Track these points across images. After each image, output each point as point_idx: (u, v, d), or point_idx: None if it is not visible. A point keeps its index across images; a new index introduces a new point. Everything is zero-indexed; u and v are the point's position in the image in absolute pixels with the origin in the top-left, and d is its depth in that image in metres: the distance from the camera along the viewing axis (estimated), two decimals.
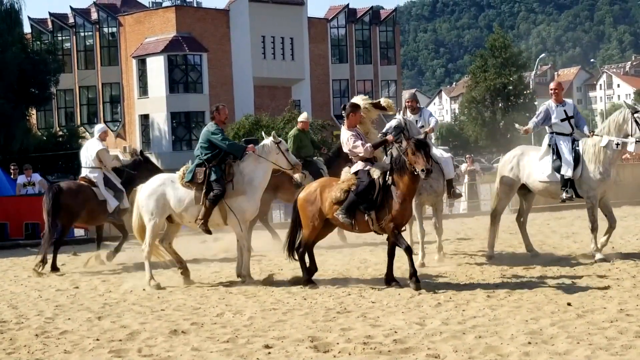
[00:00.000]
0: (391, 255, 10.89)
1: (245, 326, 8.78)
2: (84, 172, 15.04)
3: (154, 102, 59.44)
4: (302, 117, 17.46)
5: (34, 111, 57.12)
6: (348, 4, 67.50)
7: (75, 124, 60.89)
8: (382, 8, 73.88)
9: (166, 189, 11.89)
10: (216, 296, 10.83)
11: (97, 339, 8.42)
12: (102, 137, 15.40)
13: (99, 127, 16.11)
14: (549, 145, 12.92)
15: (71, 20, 63.51)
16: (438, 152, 13.03)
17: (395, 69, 69.97)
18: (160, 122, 59.82)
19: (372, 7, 69.24)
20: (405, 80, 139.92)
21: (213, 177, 11.69)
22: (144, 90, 60.46)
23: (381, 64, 68.36)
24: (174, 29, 59.29)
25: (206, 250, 15.61)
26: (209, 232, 11.89)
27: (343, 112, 11.54)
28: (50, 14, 64.15)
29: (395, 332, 8.14)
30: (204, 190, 11.67)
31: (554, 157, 12.78)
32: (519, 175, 13.18)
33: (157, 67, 59.29)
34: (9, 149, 42.86)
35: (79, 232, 20.64)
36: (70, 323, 9.38)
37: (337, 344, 7.78)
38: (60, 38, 63.41)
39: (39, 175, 22.36)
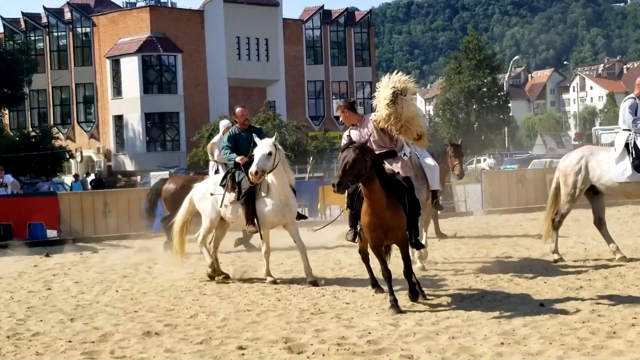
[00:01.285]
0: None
1: (219, 327, 8.76)
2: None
3: (128, 103, 59.21)
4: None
5: (6, 111, 56.71)
6: (323, 6, 67.59)
7: (49, 125, 60.55)
8: (357, 10, 74.06)
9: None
10: (190, 297, 10.80)
11: (70, 341, 8.36)
12: (224, 132, 15.27)
13: (223, 123, 16.61)
14: (627, 144, 12.22)
15: (44, 20, 63.14)
16: (429, 159, 12.00)
17: (370, 71, 70.15)
18: (135, 122, 59.57)
19: (347, 9, 69.45)
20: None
21: (237, 179, 11.85)
22: (117, 90, 60.22)
23: (356, 66, 68.55)
24: (148, 29, 59.10)
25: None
26: (253, 231, 11.86)
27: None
28: (23, 13, 63.79)
29: (369, 333, 8.15)
30: (236, 192, 11.83)
31: (634, 157, 12.14)
32: (588, 177, 12.60)
33: (131, 68, 59.08)
34: None
35: (51, 234, 20.49)
36: (42, 325, 9.31)
37: (311, 345, 7.78)
38: (33, 38, 63.02)
39: (11, 176, 22.18)
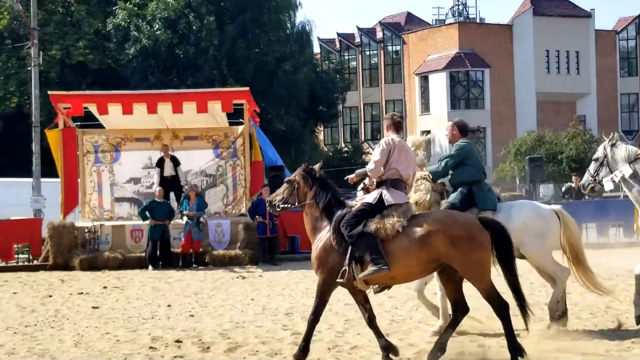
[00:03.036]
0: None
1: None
2: None
3: (435, 119, 59.94)
4: None
5: (321, 128, 59.71)
6: (639, 15, 64.30)
7: (359, 140, 62.98)
8: None
9: None
10: None
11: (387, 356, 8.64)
12: None
13: None
14: None
15: (357, 39, 65.72)
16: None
17: None
18: (442, 138, 60.09)
19: None
20: None
21: None
22: (426, 106, 61.22)
23: None
24: (456, 45, 59.54)
25: None
26: None
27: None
28: (338, 34, 66.73)
29: None
30: None
31: None
32: None
33: (439, 84, 59.84)
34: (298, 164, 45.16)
35: None
36: (359, 338, 9.70)
37: None
38: (347, 57, 65.83)
39: None
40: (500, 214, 9.91)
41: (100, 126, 23.07)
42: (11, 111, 40.54)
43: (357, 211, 8.41)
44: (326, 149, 60.01)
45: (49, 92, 22.59)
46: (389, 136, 8.79)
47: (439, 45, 60.47)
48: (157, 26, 41.69)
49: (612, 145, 10.81)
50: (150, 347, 9.43)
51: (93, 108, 21.58)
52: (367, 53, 65.64)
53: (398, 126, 8.91)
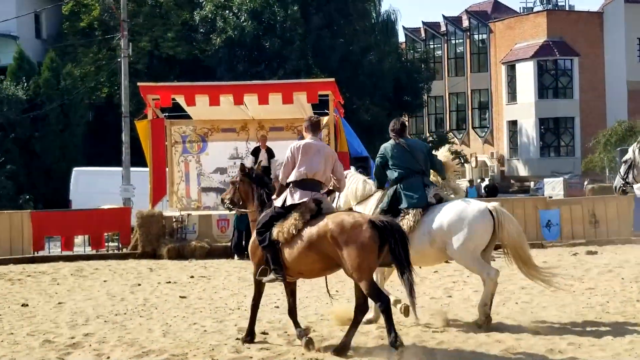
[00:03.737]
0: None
1: (626, 350, 8.41)
2: None
3: (522, 108, 59.07)
4: None
5: (406, 118, 59.39)
6: None
7: (444, 130, 62.50)
8: None
9: None
10: (592, 315, 10.48)
11: (473, 351, 8.57)
12: None
13: None
14: None
15: (443, 28, 65.15)
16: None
17: None
18: (529, 128, 59.27)
19: None
20: None
21: None
22: (512, 96, 60.34)
23: None
24: (544, 33, 58.47)
25: None
26: None
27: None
28: (423, 23, 66.26)
29: None
30: None
31: None
32: None
33: (526, 73, 58.86)
34: None
35: None
36: (445, 334, 9.61)
37: None
38: (432, 46, 65.31)
39: None
40: (428, 213, 10.03)
41: (188, 117, 23.39)
42: (102, 101, 41.48)
43: (269, 217, 9.02)
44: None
45: (139, 84, 22.97)
46: (301, 139, 9.40)
47: (527, 33, 59.48)
48: (243, 17, 42.06)
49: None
50: (237, 339, 9.51)
51: (181, 99, 21.87)
52: (453, 42, 65.01)
53: (315, 127, 9.31)
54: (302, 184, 8.95)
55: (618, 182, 11.02)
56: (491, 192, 38.25)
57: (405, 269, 8.38)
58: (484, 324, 9.81)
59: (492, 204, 10.28)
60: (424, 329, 9.91)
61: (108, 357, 8.82)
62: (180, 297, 13.25)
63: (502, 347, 8.79)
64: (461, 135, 64.36)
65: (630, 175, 10.85)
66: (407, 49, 61.66)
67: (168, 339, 9.66)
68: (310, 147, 9.10)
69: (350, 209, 10.38)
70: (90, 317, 11.41)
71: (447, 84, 64.42)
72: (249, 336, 9.31)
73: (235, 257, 19.44)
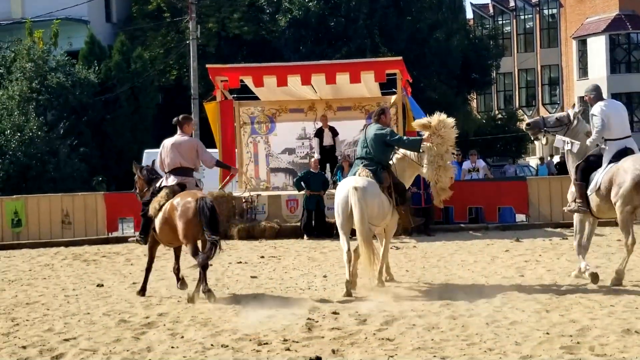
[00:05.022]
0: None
1: None
2: None
3: (594, 84, 57.87)
4: None
5: (474, 95, 58.74)
6: None
7: (514, 107, 61.66)
8: None
9: None
10: None
11: (547, 333, 8.43)
12: None
13: None
14: None
15: (512, 4, 64.16)
16: None
17: None
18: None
19: None
20: None
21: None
22: (583, 71, 59.14)
23: None
24: (616, 7, 57.13)
25: None
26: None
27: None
28: None
29: None
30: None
31: None
32: None
33: (597, 48, 57.63)
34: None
35: (519, 218, 20.88)
36: (518, 313, 9.49)
37: None
38: (500, 22, 64.37)
39: (482, 161, 23.04)
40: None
41: (255, 98, 23.49)
42: (171, 84, 41.90)
43: (150, 195, 11.67)
44: (479, 117, 59.05)
45: (207, 66, 23.11)
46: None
47: (598, 7, 58.19)
48: None
49: (578, 118, 11.70)
50: (309, 319, 9.55)
51: (249, 80, 21.96)
52: (522, 17, 63.99)
53: (180, 125, 11.69)
54: (174, 171, 11.53)
55: (538, 124, 11.81)
56: (562, 169, 37.53)
57: (211, 236, 10.64)
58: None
59: (357, 184, 11.01)
60: (496, 308, 9.80)
61: (182, 336, 8.93)
62: (251, 277, 13.36)
63: (577, 327, 8.66)
64: (531, 112, 63.40)
65: (558, 134, 11.61)
66: (475, 25, 60.85)
67: (240, 318, 9.75)
68: (173, 142, 11.60)
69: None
70: (163, 296, 11.58)
71: (516, 60, 63.48)
72: (142, 291, 11.72)
73: (305, 237, 19.52)
